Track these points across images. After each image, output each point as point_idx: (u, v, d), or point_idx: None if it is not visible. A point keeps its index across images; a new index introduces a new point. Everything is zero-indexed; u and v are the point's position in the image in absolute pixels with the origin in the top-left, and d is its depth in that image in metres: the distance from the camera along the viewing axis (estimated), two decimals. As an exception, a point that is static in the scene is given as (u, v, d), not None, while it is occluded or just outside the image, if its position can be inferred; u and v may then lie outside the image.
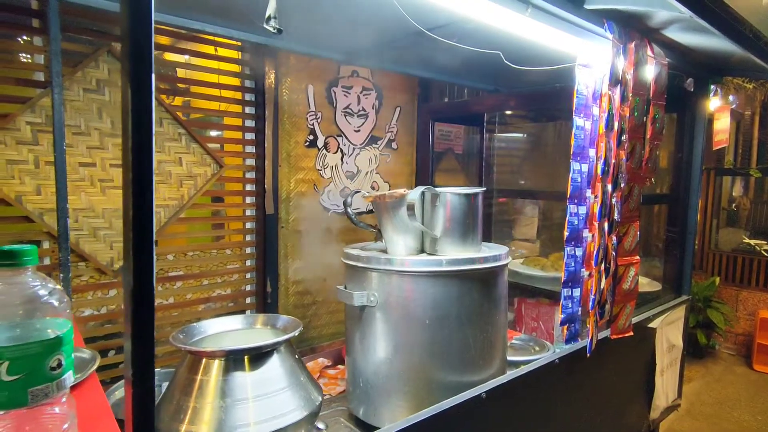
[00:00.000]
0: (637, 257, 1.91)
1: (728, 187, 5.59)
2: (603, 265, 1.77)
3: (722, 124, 2.91)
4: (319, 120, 2.56)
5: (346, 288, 1.60)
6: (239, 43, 2.25)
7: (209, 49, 2.22)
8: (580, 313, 1.79)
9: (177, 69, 2.40)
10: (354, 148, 2.74)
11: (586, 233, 1.74)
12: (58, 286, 0.73)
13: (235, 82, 2.34)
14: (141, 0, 0.65)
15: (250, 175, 2.42)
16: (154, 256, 0.69)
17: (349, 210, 1.70)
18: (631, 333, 1.93)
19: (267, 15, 1.05)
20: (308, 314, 2.61)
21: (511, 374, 1.51)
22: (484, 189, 1.66)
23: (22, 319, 0.67)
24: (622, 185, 1.79)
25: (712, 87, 2.52)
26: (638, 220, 1.89)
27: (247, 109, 2.38)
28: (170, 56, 2.29)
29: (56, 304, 0.70)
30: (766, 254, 5.02)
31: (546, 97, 2.49)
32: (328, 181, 2.64)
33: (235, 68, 2.34)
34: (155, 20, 0.67)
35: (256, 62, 2.33)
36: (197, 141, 2.20)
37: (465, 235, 1.58)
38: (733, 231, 5.43)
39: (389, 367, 1.49)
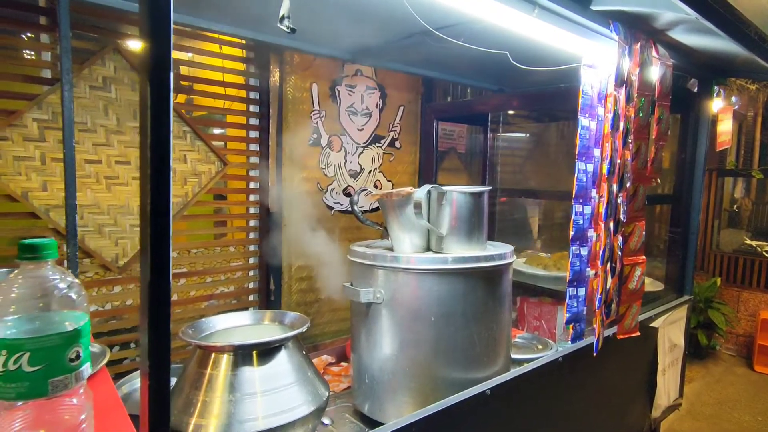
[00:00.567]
0: (643, 257, 1.92)
1: (730, 188, 5.59)
2: (609, 265, 1.78)
3: (725, 126, 2.92)
4: (322, 118, 2.57)
5: (352, 285, 1.61)
6: (244, 42, 2.26)
7: (214, 47, 2.23)
8: (585, 312, 1.80)
9: (181, 67, 2.40)
10: (357, 147, 2.75)
11: (591, 233, 1.75)
12: (77, 280, 0.74)
13: (239, 80, 2.35)
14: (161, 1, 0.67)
15: (254, 173, 2.43)
16: (171, 251, 0.70)
17: (355, 208, 1.71)
18: (638, 333, 1.94)
19: (281, 15, 1.06)
20: (311, 312, 2.62)
21: (515, 372, 1.52)
22: (490, 188, 1.67)
23: (42, 312, 0.68)
24: (628, 185, 1.80)
25: (715, 88, 2.53)
26: (643, 219, 1.90)
27: (252, 107, 2.39)
28: (175, 54, 2.29)
29: (75, 297, 0.71)
30: (767, 255, 5.02)
31: (550, 98, 2.50)
32: (331, 180, 2.65)
33: (240, 66, 2.34)
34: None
35: (260, 60, 2.34)
36: (202, 138, 2.21)
37: (471, 233, 1.59)
38: (735, 232, 5.43)
39: (395, 363, 1.50)
